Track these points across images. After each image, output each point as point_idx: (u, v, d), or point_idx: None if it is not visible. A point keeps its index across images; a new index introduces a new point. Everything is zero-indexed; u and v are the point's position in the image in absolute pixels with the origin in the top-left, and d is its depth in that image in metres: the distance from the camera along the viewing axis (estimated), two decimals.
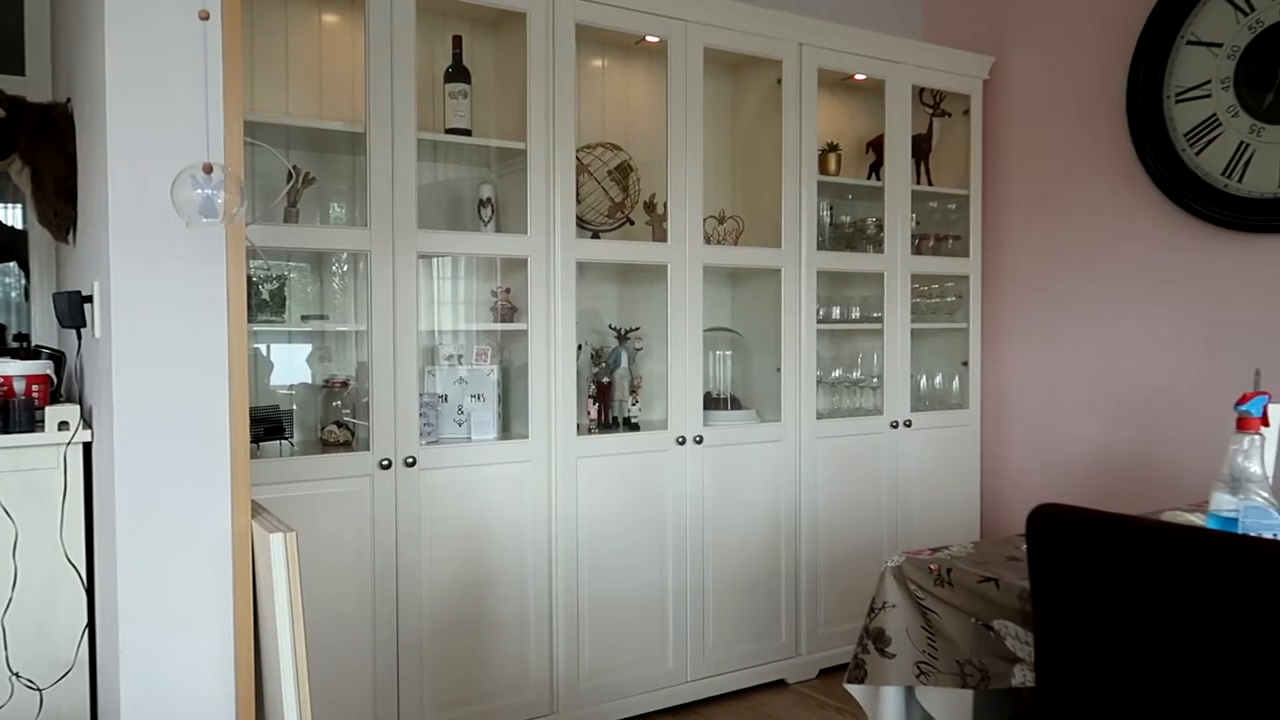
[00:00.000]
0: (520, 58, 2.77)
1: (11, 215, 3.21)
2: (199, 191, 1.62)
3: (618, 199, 3.10)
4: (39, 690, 1.92)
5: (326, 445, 2.59)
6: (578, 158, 2.91)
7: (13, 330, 3.13)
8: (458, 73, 2.77)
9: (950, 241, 3.69)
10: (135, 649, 1.62)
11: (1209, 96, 3.03)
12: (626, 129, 3.30)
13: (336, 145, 2.71)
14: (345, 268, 2.81)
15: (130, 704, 1.63)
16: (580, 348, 2.94)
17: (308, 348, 2.78)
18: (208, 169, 1.64)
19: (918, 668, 1.88)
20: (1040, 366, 3.56)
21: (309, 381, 2.77)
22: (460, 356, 2.81)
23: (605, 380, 2.99)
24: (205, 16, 1.71)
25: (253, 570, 1.72)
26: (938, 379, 3.74)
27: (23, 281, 3.13)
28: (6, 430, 1.95)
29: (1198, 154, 3.05)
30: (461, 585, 2.63)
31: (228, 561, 1.70)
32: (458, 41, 2.79)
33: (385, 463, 2.50)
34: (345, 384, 2.71)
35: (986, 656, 1.80)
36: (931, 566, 1.89)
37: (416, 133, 2.57)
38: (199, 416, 1.69)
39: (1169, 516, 2.07)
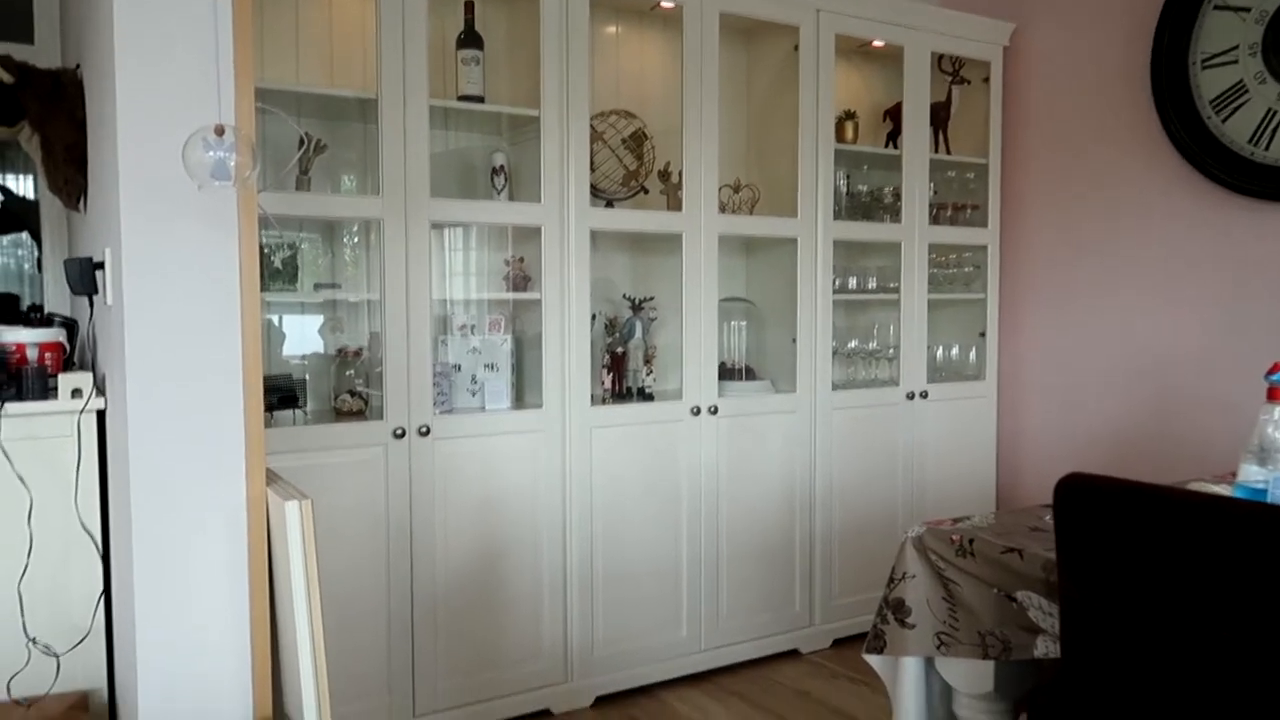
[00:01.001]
0: (533, 23, 2.72)
1: (22, 184, 3.19)
2: (211, 154, 1.59)
3: (632, 167, 3.06)
4: (56, 656, 1.92)
5: (340, 414, 2.57)
6: (592, 125, 2.86)
7: (26, 299, 3.12)
8: (470, 39, 2.73)
9: (968, 211, 3.64)
10: (151, 615, 1.62)
11: (1236, 62, 2.96)
12: (641, 96, 3.25)
13: (348, 112, 2.67)
14: (356, 237, 2.78)
15: (147, 670, 1.62)
16: (594, 317, 2.91)
17: (320, 317, 2.76)
18: (219, 131, 1.62)
19: (938, 638, 1.86)
20: (1058, 337, 3.52)
21: (322, 351, 2.75)
22: (473, 326, 2.79)
23: (619, 350, 2.96)
24: None
25: (268, 538, 1.71)
26: (954, 350, 3.71)
27: (35, 251, 3.12)
28: (20, 398, 1.94)
29: (1224, 121, 2.99)
30: (476, 554, 2.63)
31: (243, 529, 1.69)
32: (470, 7, 2.75)
33: (399, 432, 2.48)
34: (358, 353, 2.70)
35: (1008, 627, 1.79)
36: (953, 537, 1.87)
37: (429, 100, 2.53)
38: (213, 383, 1.67)
39: (1194, 487, 2.04)
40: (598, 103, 3.06)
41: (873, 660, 1.97)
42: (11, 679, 1.90)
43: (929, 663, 1.94)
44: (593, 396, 2.82)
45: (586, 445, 2.78)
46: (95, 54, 1.92)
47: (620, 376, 2.95)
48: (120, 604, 1.85)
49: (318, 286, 2.70)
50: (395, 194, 2.48)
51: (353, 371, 2.67)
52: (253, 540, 1.70)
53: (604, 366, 2.95)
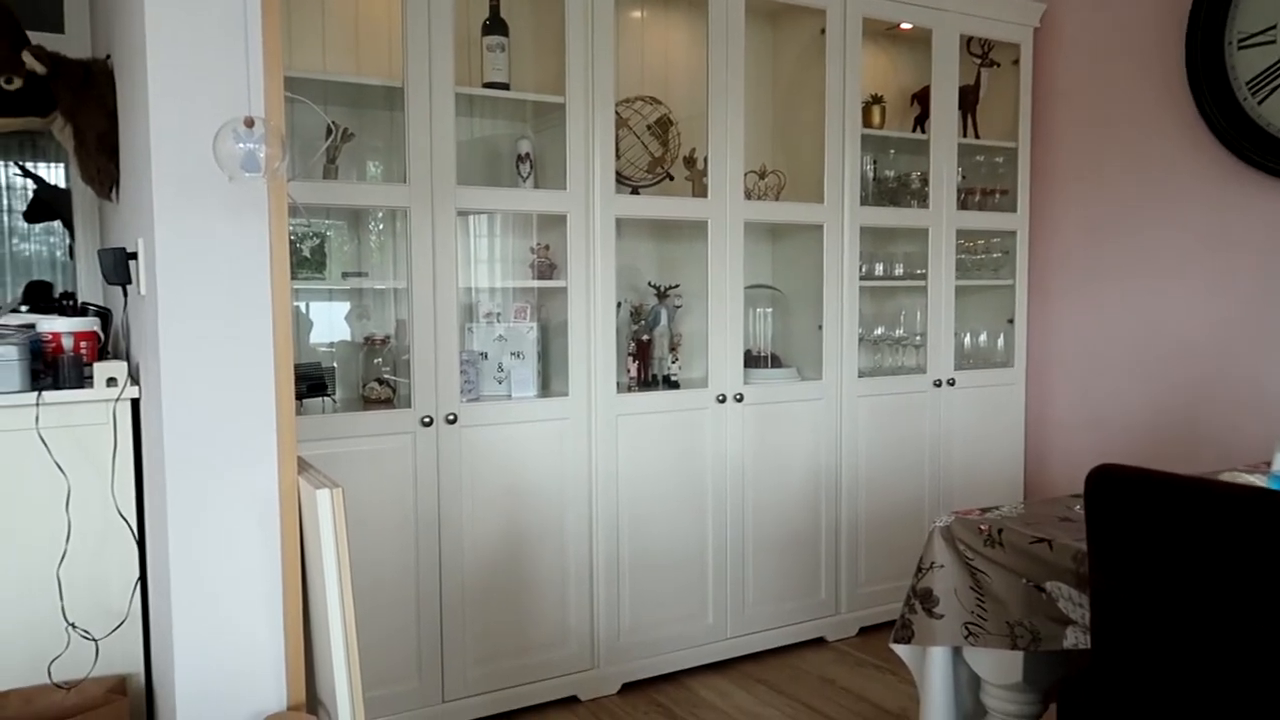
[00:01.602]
0: (558, 10, 2.71)
1: (54, 174, 3.23)
2: (241, 145, 1.60)
3: (657, 154, 3.04)
4: (94, 640, 1.96)
5: (368, 402, 2.59)
6: (617, 112, 2.85)
7: (59, 288, 3.16)
8: (495, 26, 2.72)
9: (997, 196, 3.60)
10: (186, 601, 1.64)
11: (1274, 42, 2.90)
12: (666, 82, 3.23)
13: (374, 101, 2.68)
14: (382, 224, 2.79)
15: (183, 654, 1.65)
16: (620, 305, 2.91)
17: (347, 305, 2.78)
18: (249, 122, 1.63)
19: (966, 628, 1.86)
20: (1089, 324, 3.48)
21: (349, 339, 2.77)
22: (499, 314, 2.80)
23: (645, 338, 2.96)
24: None
25: (300, 525, 1.73)
26: (982, 337, 3.67)
27: (67, 240, 3.16)
28: (56, 386, 1.97)
29: (1260, 103, 2.93)
30: (503, 541, 2.64)
31: (275, 516, 1.71)
32: None
33: (427, 420, 2.50)
34: (385, 341, 2.71)
35: (1037, 618, 1.78)
36: (981, 527, 1.86)
37: (455, 87, 2.53)
38: (245, 372, 1.69)
39: (1228, 478, 2.02)
40: (623, 89, 3.04)
41: (900, 650, 1.96)
42: (52, 663, 1.94)
43: (957, 652, 1.93)
44: (618, 384, 2.83)
45: (612, 433, 2.78)
46: (126, 45, 1.93)
47: (646, 364, 2.96)
48: (156, 590, 1.88)
49: (345, 275, 2.71)
50: (422, 182, 2.49)
51: (380, 359, 2.69)
52: (285, 528, 1.72)
53: (629, 354, 2.95)
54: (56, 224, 3.22)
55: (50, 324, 2.05)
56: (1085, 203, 3.48)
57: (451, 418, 2.53)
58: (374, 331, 2.74)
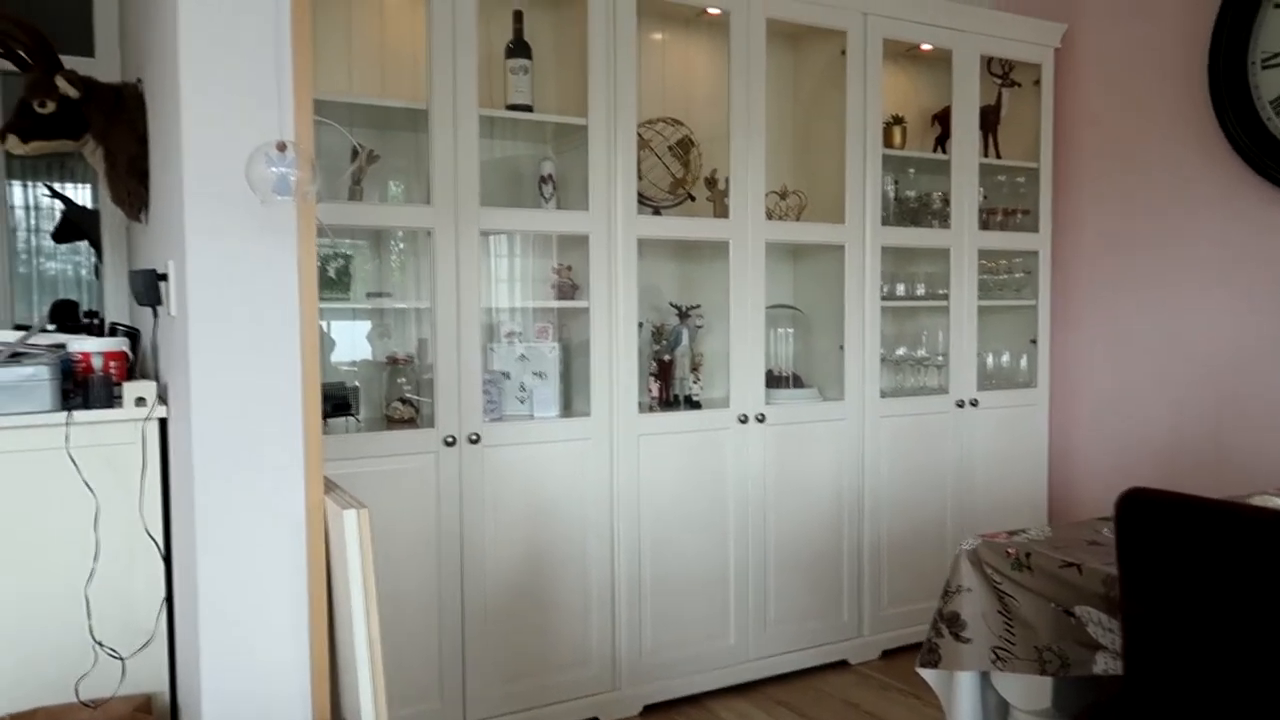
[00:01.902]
0: (580, 32, 2.74)
1: (82, 195, 3.27)
2: (273, 169, 1.62)
3: (679, 174, 3.06)
4: (121, 659, 1.97)
5: (391, 422, 2.61)
6: (638, 133, 2.87)
7: (84, 307, 3.20)
8: (519, 48, 2.75)
9: (1019, 216, 3.59)
10: (213, 620, 1.65)
11: None
12: (687, 103, 3.25)
13: (398, 122, 2.71)
14: (404, 244, 2.82)
15: (209, 673, 1.66)
16: (641, 325, 2.92)
17: (370, 325, 2.80)
18: (281, 147, 1.65)
19: (994, 653, 1.84)
20: (1112, 344, 3.45)
21: (372, 359, 2.79)
22: (521, 334, 2.81)
23: (666, 358, 2.97)
24: None
25: (326, 545, 1.74)
26: (1005, 357, 3.66)
27: (94, 260, 3.20)
28: (86, 406, 1.99)
29: None
30: (525, 561, 2.64)
31: (302, 536, 1.72)
32: (518, 17, 2.77)
33: (450, 439, 2.51)
34: (408, 361, 2.73)
35: (1066, 643, 1.76)
36: (1009, 550, 1.84)
37: (478, 109, 2.55)
38: (273, 393, 1.71)
39: (1258, 501, 1.99)
40: (644, 110, 3.06)
41: (927, 674, 1.95)
42: (79, 681, 1.94)
43: (985, 677, 1.91)
44: (640, 404, 2.83)
45: (634, 453, 2.78)
46: (158, 69, 1.96)
47: (667, 384, 2.96)
48: (183, 609, 1.89)
49: (369, 295, 2.73)
50: (446, 203, 2.51)
51: (403, 379, 2.70)
52: (311, 547, 1.73)
53: (651, 374, 2.95)
54: (83, 244, 3.27)
55: (80, 344, 2.07)
56: (1108, 222, 3.46)
57: (474, 437, 2.54)
58: (397, 351, 2.76)
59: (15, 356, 2.01)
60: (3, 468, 1.92)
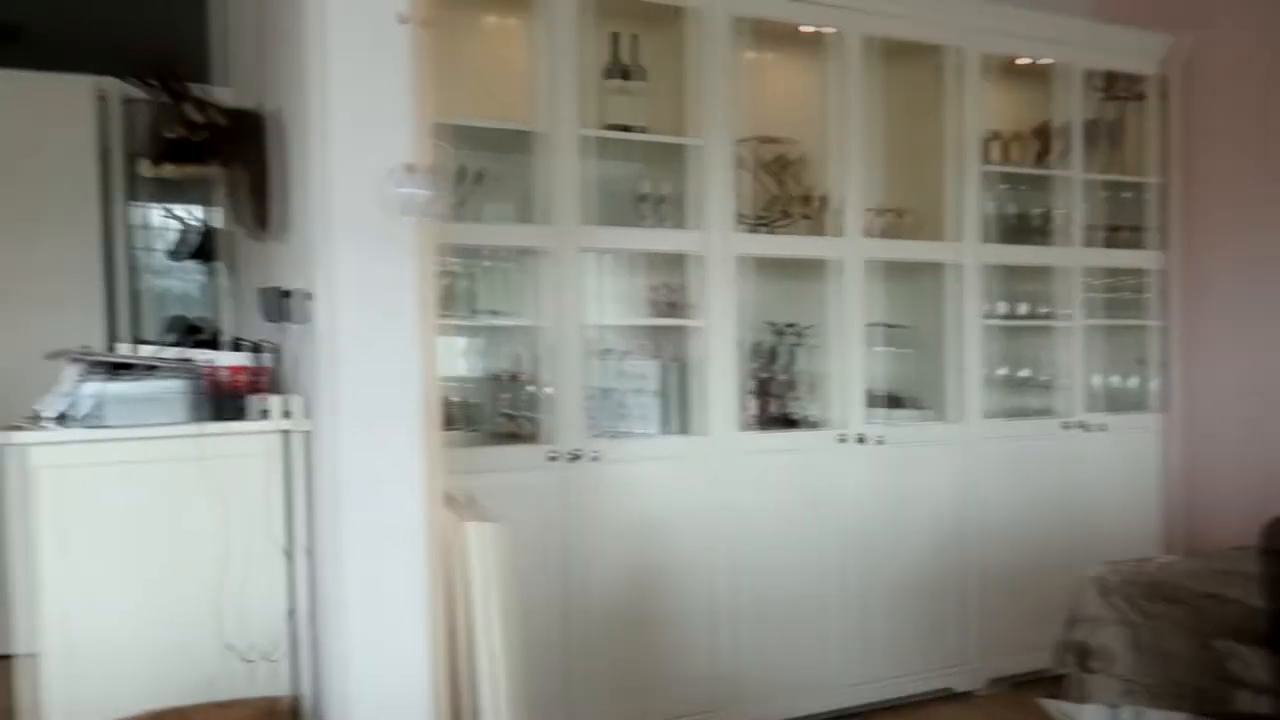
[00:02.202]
0: (679, 51, 2.77)
1: (205, 217, 3.42)
2: (403, 190, 1.68)
3: (777, 192, 3.05)
4: (249, 662, 2.03)
5: (497, 438, 2.64)
6: (736, 151, 2.87)
7: (202, 322, 3.34)
8: (619, 68, 2.79)
9: (1129, 233, 3.47)
10: (348, 628, 1.69)
11: None
12: (785, 120, 3.23)
13: (500, 143, 2.76)
14: (510, 263, 2.86)
15: (339, 679, 1.70)
16: (742, 343, 2.91)
17: (476, 341, 2.85)
18: (410, 169, 1.70)
19: (1125, 686, 1.77)
20: (1235, 365, 3.30)
21: (478, 374, 2.84)
22: (622, 351, 2.83)
23: (766, 376, 2.95)
24: (405, 20, 1.76)
25: (453, 558, 1.77)
26: (1114, 378, 3.53)
27: (213, 277, 3.35)
28: (216, 418, 2.07)
29: None
30: (627, 579, 2.65)
31: (427, 548, 1.76)
32: (615, 39, 2.81)
33: (554, 455, 2.53)
34: (514, 377, 2.77)
35: (1205, 678, 1.68)
36: (1140, 579, 1.77)
37: (581, 130, 2.59)
38: (399, 407, 1.75)
39: None
40: (743, 128, 3.06)
41: (1051, 706, 1.88)
42: (210, 683, 2.01)
43: (1114, 711, 1.84)
44: (741, 423, 2.81)
45: (735, 471, 2.77)
46: (293, 98, 2.05)
47: (768, 403, 2.94)
48: (313, 615, 1.95)
49: (475, 311, 2.79)
50: (551, 222, 2.55)
51: (509, 394, 2.74)
52: (434, 558, 1.76)
53: (751, 393, 2.94)
54: (203, 262, 3.42)
55: (210, 358, 2.16)
56: (1229, 238, 3.31)
57: (578, 453, 2.56)
58: (502, 367, 2.80)
59: (150, 370, 2.10)
60: (140, 476, 2.01)
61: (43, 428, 1.96)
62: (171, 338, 3.01)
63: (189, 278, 3.73)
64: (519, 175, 2.86)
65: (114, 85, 3.13)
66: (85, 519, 1.92)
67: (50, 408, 2.05)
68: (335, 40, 1.74)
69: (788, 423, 2.93)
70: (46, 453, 1.88)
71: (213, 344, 3.05)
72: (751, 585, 2.80)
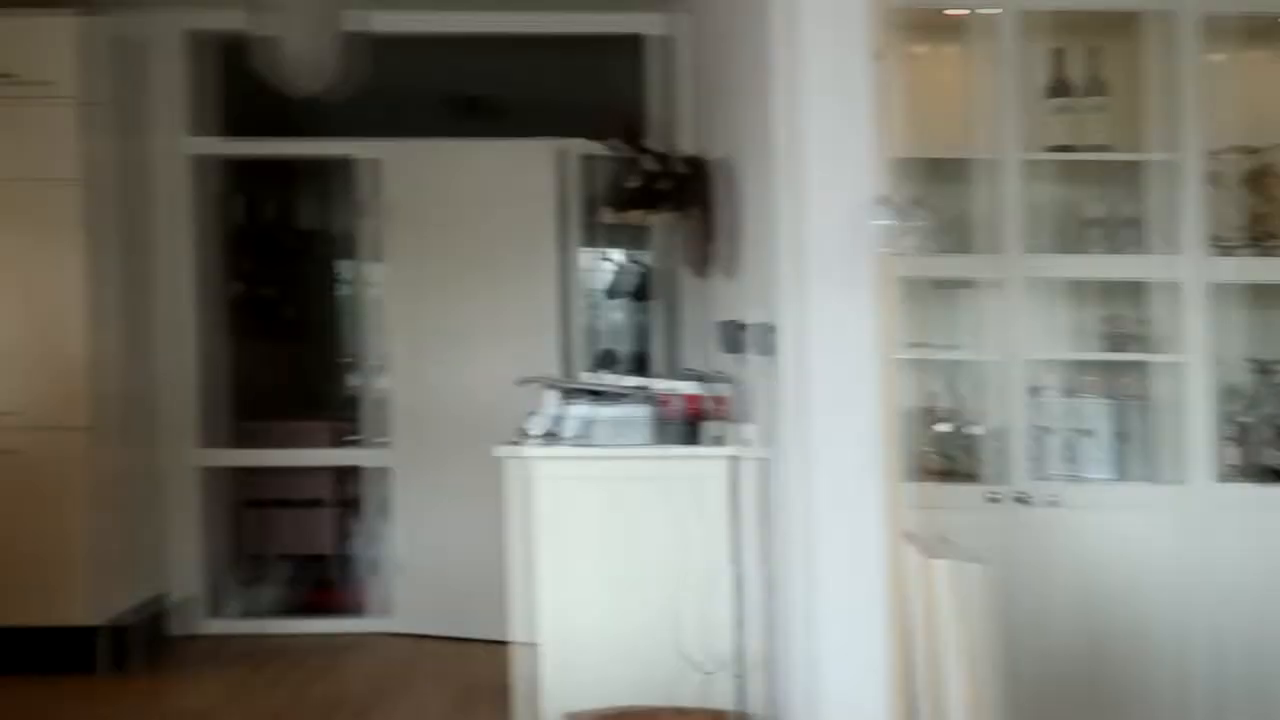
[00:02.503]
0: (1128, 63, 2.55)
1: (641, 259, 3.78)
2: (878, 223, 1.70)
3: (1257, 209, 2.67)
4: (706, 674, 2.16)
5: (926, 474, 2.57)
6: (1205, 165, 2.55)
7: (629, 355, 3.66)
8: (1061, 87, 2.62)
9: None
10: (819, 652, 1.73)
11: None
12: (1261, 126, 2.81)
13: (933, 172, 2.70)
14: (939, 294, 2.78)
15: (803, 700, 1.74)
16: (1217, 381, 2.56)
17: (906, 373, 2.80)
18: (884, 202, 1.72)
19: None
20: None
21: (906, 407, 2.78)
22: (1066, 388, 2.62)
23: (1245, 420, 2.56)
24: (880, 58, 1.79)
25: (917, 594, 1.74)
26: None
27: (646, 314, 3.67)
28: (675, 442, 2.24)
29: None
30: (1068, 638, 2.42)
31: (888, 581, 1.74)
32: (1061, 54, 2.64)
33: (995, 497, 2.40)
34: (947, 413, 2.68)
35: None
36: None
37: (1022, 153, 2.47)
38: (866, 437, 1.78)
39: None
40: (1210, 139, 2.72)
41: None
42: (668, 689, 2.17)
43: None
44: (1218, 472, 2.46)
45: (1210, 528, 2.42)
46: (750, 143, 2.18)
47: (1248, 451, 2.54)
48: (769, 634, 2.02)
49: (911, 345, 2.74)
50: (989, 252, 2.45)
51: (939, 429, 2.65)
52: (894, 593, 1.74)
53: (1226, 438, 2.56)
54: (637, 300, 3.77)
55: (671, 387, 2.34)
56: None
57: (1025, 496, 2.40)
58: (933, 400, 2.72)
59: (620, 396, 2.34)
60: (613, 490, 2.23)
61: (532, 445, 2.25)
62: (612, 367, 3.34)
63: (615, 313, 4.12)
64: (950, 204, 2.78)
65: (573, 145, 3.53)
66: (572, 526, 2.17)
67: (536, 426, 2.35)
68: (806, 81, 1.82)
69: (1275, 475, 2.51)
70: (548, 466, 2.15)
71: (641, 373, 3.34)
72: (1239, 674, 2.40)
